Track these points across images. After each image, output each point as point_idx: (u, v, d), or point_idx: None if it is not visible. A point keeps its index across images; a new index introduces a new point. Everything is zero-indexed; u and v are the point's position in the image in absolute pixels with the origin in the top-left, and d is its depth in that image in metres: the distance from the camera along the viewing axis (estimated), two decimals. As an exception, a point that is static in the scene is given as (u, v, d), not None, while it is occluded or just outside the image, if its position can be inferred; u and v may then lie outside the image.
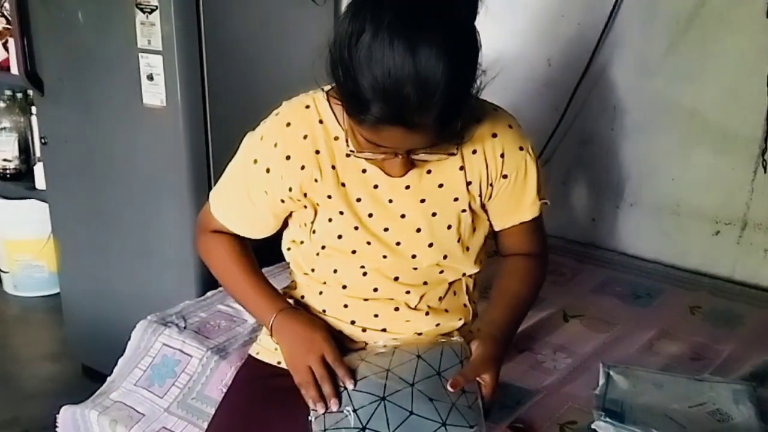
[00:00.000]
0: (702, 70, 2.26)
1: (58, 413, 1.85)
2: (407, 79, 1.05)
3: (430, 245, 1.37)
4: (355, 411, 1.26)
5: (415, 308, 1.41)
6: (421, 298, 1.42)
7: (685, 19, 2.25)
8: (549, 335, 1.94)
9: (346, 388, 1.28)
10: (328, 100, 1.31)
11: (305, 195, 1.35)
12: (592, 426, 1.51)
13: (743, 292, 2.24)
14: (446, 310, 1.45)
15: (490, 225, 1.45)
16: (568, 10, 2.45)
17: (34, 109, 2.87)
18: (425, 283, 1.42)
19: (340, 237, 1.36)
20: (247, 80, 2.29)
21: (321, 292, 1.44)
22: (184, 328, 1.88)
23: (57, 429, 1.86)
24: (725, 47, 2.20)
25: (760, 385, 1.68)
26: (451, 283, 1.45)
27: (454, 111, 1.12)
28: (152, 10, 2.09)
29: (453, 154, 1.25)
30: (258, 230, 1.45)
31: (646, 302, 2.15)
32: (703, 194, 2.35)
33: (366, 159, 1.24)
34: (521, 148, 1.37)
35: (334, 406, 1.27)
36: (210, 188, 2.20)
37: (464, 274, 1.46)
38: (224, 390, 1.57)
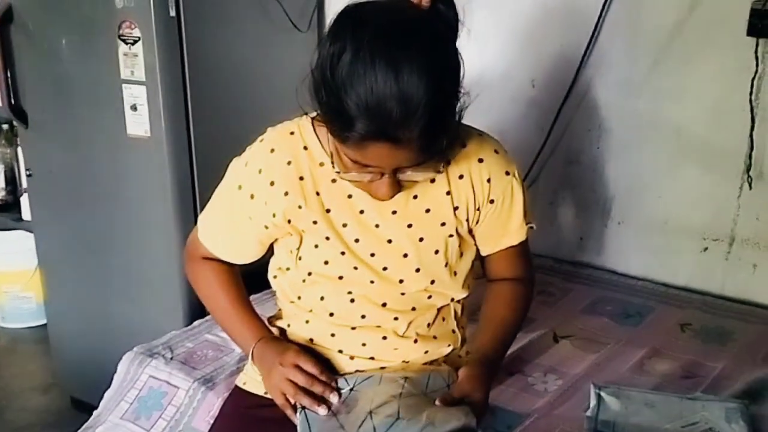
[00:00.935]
0: (685, 88, 2.27)
1: (45, 447, 1.83)
2: (390, 94, 1.06)
3: (417, 270, 1.36)
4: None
5: (403, 336, 1.40)
6: (409, 324, 1.40)
7: (667, 37, 2.26)
8: (539, 357, 1.93)
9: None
10: (313, 127, 1.31)
11: (289, 221, 1.34)
12: (584, 449, 1.50)
13: (733, 307, 2.24)
14: (435, 337, 1.44)
15: (477, 250, 1.45)
16: (551, 31, 2.47)
17: (20, 140, 2.86)
18: (413, 308, 1.40)
19: (326, 263, 1.35)
20: (231, 108, 2.29)
21: (308, 321, 1.42)
22: (171, 359, 1.87)
23: (44, 465, 1.84)
24: (708, 65, 2.22)
25: (753, 402, 1.67)
26: (439, 309, 1.44)
27: (438, 126, 1.12)
28: (135, 41, 2.09)
29: (440, 172, 1.25)
30: (243, 256, 1.45)
31: (637, 321, 2.15)
32: (690, 211, 2.35)
33: (352, 181, 1.23)
34: (507, 173, 1.37)
35: (333, 398, 1.29)
36: (196, 217, 2.22)
37: (452, 300, 1.45)
38: (211, 422, 1.55)
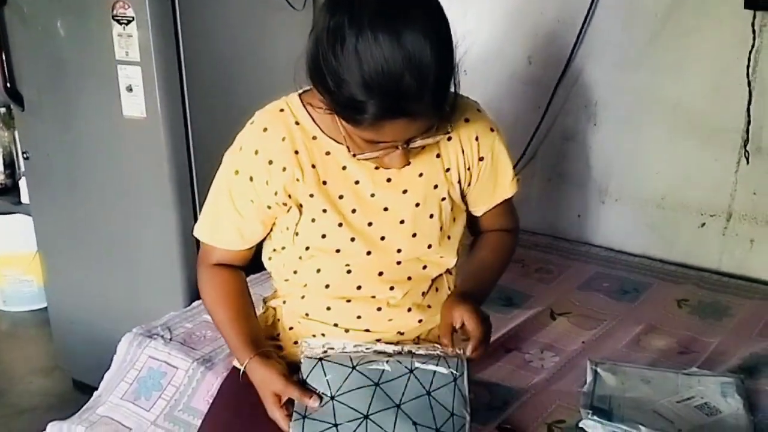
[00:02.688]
0: (683, 63, 2.26)
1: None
2: (400, 70, 1.06)
3: (414, 235, 1.38)
4: (336, 426, 1.26)
5: (397, 305, 1.41)
6: (405, 294, 1.42)
7: (664, 11, 2.25)
8: (536, 334, 1.94)
9: (333, 398, 1.27)
10: (302, 102, 1.34)
11: (289, 196, 1.35)
12: (580, 425, 1.51)
13: (730, 283, 2.24)
14: (429, 306, 1.45)
15: (468, 215, 1.48)
16: (547, 7, 2.45)
17: (16, 123, 2.85)
18: (409, 278, 1.42)
19: (324, 236, 1.36)
20: (227, 88, 2.29)
21: (303, 296, 1.43)
22: (170, 339, 1.88)
23: (45, 445, 1.86)
24: (705, 39, 2.21)
25: (748, 377, 1.68)
26: (433, 280, 1.46)
27: (446, 91, 1.15)
28: (129, 21, 2.08)
29: (448, 132, 1.27)
30: (247, 240, 1.44)
31: (634, 297, 2.16)
32: (687, 187, 2.35)
33: (368, 159, 1.25)
34: (492, 130, 1.41)
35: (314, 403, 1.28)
36: (194, 197, 2.25)
37: (446, 271, 1.47)
38: (210, 401, 1.56)
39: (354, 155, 1.23)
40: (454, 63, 1.15)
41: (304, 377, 1.30)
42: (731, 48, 2.16)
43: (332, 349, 1.34)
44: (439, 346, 1.36)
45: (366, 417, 1.26)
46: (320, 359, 1.30)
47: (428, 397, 1.28)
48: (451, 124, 1.28)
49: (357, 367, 1.29)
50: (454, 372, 1.30)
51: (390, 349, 1.34)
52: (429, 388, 1.29)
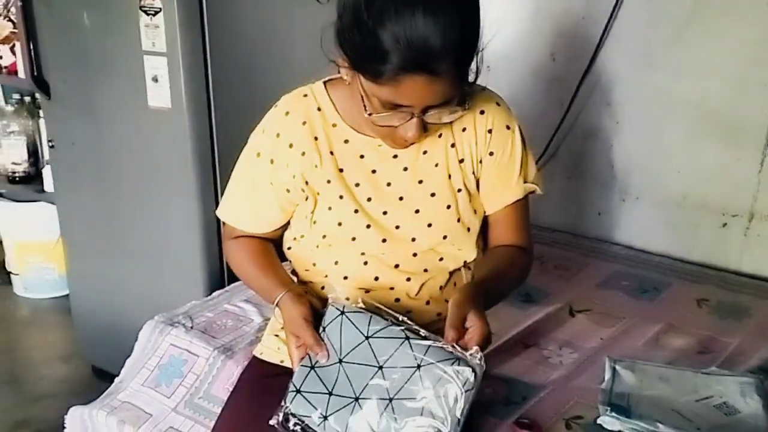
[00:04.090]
0: (706, 62, 2.25)
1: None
2: (428, 26, 1.10)
3: (429, 225, 1.39)
4: (330, 394, 1.26)
5: (415, 297, 1.42)
6: (422, 286, 1.42)
7: (689, 10, 2.24)
8: (555, 330, 1.94)
9: (341, 361, 1.27)
10: (326, 89, 1.37)
11: (306, 183, 1.37)
12: (598, 421, 1.51)
13: (750, 284, 2.23)
14: (446, 301, 1.45)
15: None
16: (572, 5, 2.45)
17: (42, 113, 2.88)
18: (425, 270, 1.42)
19: (340, 224, 1.38)
20: (252, 80, 2.30)
21: (323, 287, 1.45)
22: (191, 327, 1.89)
23: (65, 430, 1.87)
24: (729, 38, 2.20)
25: (768, 377, 1.68)
26: (451, 274, 1.46)
27: (468, 60, 1.18)
28: (156, 12, 2.10)
29: (465, 110, 1.27)
30: (266, 225, 1.47)
31: (653, 296, 2.15)
32: (709, 186, 2.34)
33: (381, 126, 1.26)
34: (508, 127, 1.40)
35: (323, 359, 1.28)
36: (216, 188, 2.26)
37: (464, 264, 1.46)
38: (230, 389, 1.58)
39: (370, 114, 1.23)
40: (478, 38, 1.19)
41: (324, 325, 1.29)
42: (755, 47, 2.15)
43: (362, 306, 1.30)
44: (461, 350, 1.23)
45: (356, 400, 1.24)
46: (342, 312, 1.28)
47: (425, 401, 1.21)
48: (468, 105, 1.27)
49: (370, 339, 1.26)
50: (460, 384, 1.20)
51: (416, 328, 1.26)
52: (429, 390, 1.21)
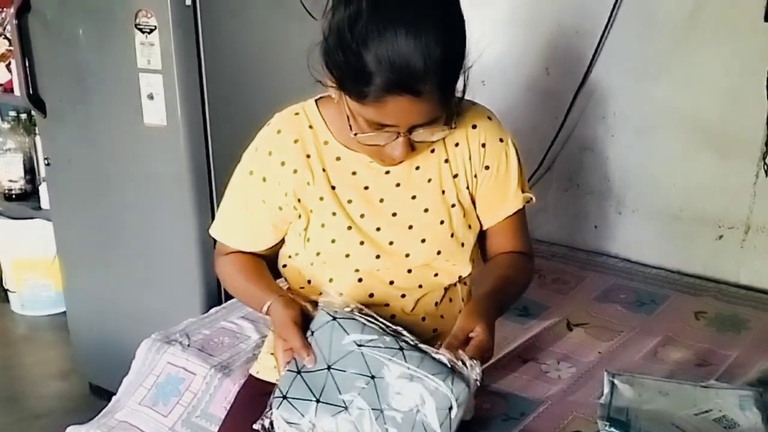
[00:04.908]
0: (701, 75, 2.26)
1: (64, 433, 1.86)
2: (411, 48, 1.11)
3: (423, 241, 1.39)
4: (317, 401, 1.24)
5: (411, 313, 1.42)
6: (417, 302, 1.42)
7: (683, 23, 2.25)
8: (553, 344, 1.93)
9: (329, 368, 1.25)
10: (317, 107, 1.38)
11: (299, 200, 1.38)
12: (597, 436, 1.51)
13: (748, 296, 2.23)
14: (442, 316, 1.46)
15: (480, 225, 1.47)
16: (566, 19, 2.46)
17: (38, 130, 2.88)
18: (420, 286, 1.42)
19: (333, 241, 1.38)
20: (247, 97, 2.30)
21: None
22: (188, 345, 1.89)
23: (62, 449, 1.87)
24: (724, 51, 2.21)
25: (767, 390, 1.67)
26: (446, 289, 1.46)
27: (453, 80, 1.19)
28: (151, 30, 2.11)
29: (452, 128, 1.27)
30: (259, 243, 1.46)
31: (651, 309, 2.15)
32: (705, 199, 2.34)
33: (367, 145, 1.26)
34: (501, 140, 1.41)
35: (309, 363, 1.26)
36: (212, 205, 2.27)
37: (459, 279, 1.46)
38: (228, 408, 1.57)
39: (355, 134, 1.24)
40: (463, 57, 1.20)
41: (313, 329, 1.27)
42: (750, 61, 2.16)
43: (355, 312, 1.29)
44: (456, 360, 1.23)
45: (345, 408, 1.23)
46: (334, 318, 1.26)
47: (416, 413, 1.21)
48: (455, 124, 1.28)
49: (362, 347, 1.24)
50: (453, 399, 1.19)
51: (409, 338, 1.26)
52: (420, 403, 1.21)
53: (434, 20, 1.13)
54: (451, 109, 1.25)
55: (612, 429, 1.49)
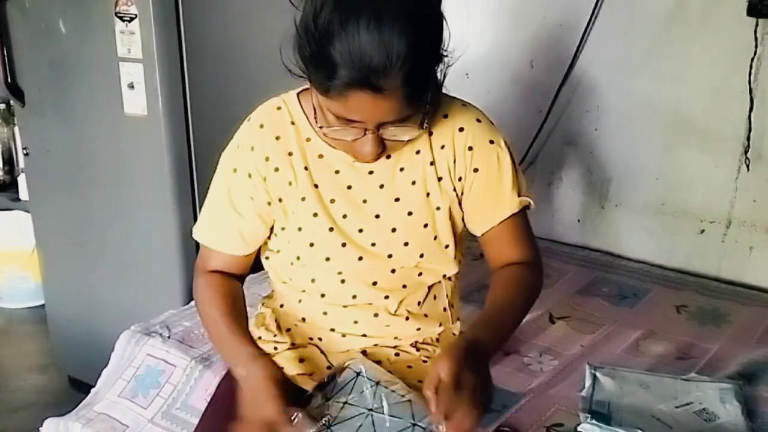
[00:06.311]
0: (684, 70, 2.27)
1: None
2: (371, 42, 1.06)
3: (406, 244, 1.35)
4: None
5: (394, 314, 1.40)
6: (400, 303, 1.40)
7: (667, 18, 2.25)
8: (535, 337, 1.94)
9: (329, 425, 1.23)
10: (299, 101, 1.33)
11: (280, 200, 1.34)
12: (578, 428, 1.51)
13: (729, 290, 2.25)
14: (426, 315, 1.44)
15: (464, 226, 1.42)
16: (550, 12, 2.46)
17: (17, 119, 2.85)
18: (404, 286, 1.40)
19: (312, 245, 1.34)
20: (229, 87, 2.28)
21: (300, 300, 1.42)
22: (168, 337, 1.87)
23: (41, 442, 1.85)
24: (707, 46, 2.21)
25: (747, 383, 1.68)
26: (430, 288, 1.44)
27: (419, 78, 1.11)
28: (131, 19, 2.08)
29: (423, 128, 1.21)
30: (250, 242, 1.41)
31: (633, 302, 2.16)
32: (687, 193, 2.35)
33: (335, 140, 1.23)
34: (492, 142, 1.35)
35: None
36: (194, 196, 2.24)
37: (444, 277, 1.44)
38: (208, 400, 1.56)
39: (321, 128, 1.20)
40: (435, 53, 1.14)
41: (342, 383, 1.29)
42: (733, 55, 2.17)
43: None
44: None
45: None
46: (358, 374, 1.28)
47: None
48: (428, 123, 1.22)
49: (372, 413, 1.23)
50: None
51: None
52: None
53: (400, 12, 1.07)
54: (425, 109, 1.19)
55: (593, 421, 1.50)
